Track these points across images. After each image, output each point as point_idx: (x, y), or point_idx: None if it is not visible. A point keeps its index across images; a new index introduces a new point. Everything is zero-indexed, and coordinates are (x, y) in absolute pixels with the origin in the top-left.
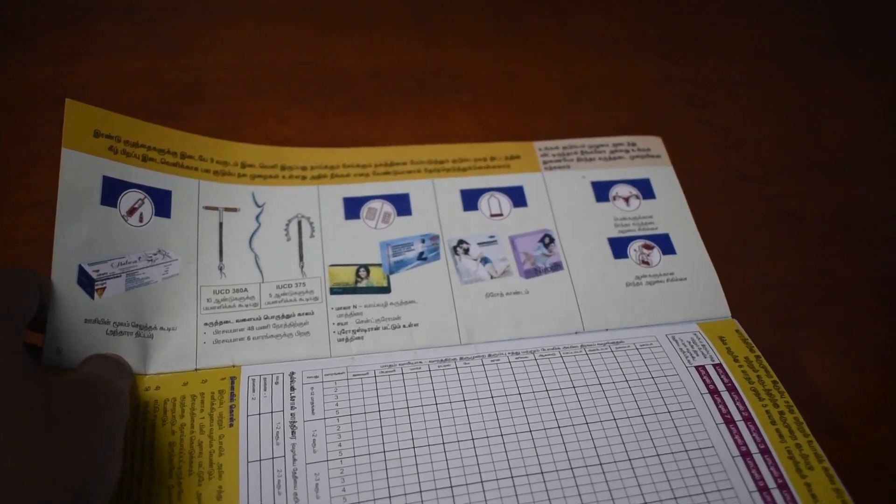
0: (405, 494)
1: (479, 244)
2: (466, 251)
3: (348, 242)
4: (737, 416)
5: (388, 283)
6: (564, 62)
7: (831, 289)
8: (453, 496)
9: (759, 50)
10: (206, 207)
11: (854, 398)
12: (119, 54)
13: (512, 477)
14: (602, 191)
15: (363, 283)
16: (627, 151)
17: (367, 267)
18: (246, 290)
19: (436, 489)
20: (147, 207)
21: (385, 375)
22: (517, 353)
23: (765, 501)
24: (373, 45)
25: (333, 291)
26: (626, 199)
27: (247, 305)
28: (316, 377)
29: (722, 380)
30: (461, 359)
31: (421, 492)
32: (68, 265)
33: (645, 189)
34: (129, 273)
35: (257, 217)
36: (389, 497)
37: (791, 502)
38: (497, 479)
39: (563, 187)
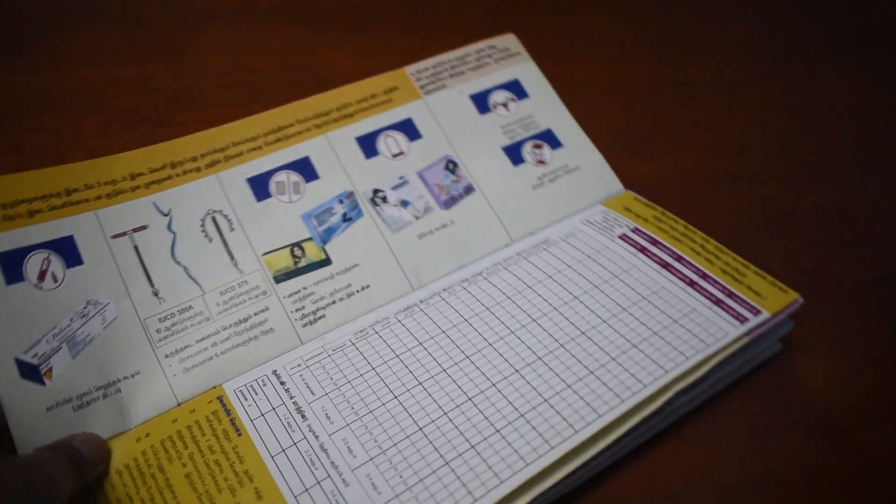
0: (433, 421)
1: (393, 188)
2: (384, 199)
3: (271, 225)
4: (669, 259)
5: (326, 254)
6: (558, 64)
7: (826, 289)
8: (474, 405)
9: (753, 50)
10: (114, 236)
11: (848, 400)
12: (110, 60)
13: (517, 370)
14: (481, 103)
15: (303, 262)
16: (490, 55)
17: (299, 245)
18: (191, 307)
19: (457, 406)
20: (56, 264)
21: (362, 340)
22: (466, 280)
23: (723, 310)
24: (366, 47)
25: (278, 279)
26: (505, 105)
27: (199, 322)
28: (299, 366)
29: (643, 238)
30: (421, 301)
31: (445, 413)
32: (4, 364)
33: (517, 90)
34: (69, 339)
35: (169, 226)
36: (420, 429)
37: (743, 303)
38: (506, 377)
39: (446, 108)
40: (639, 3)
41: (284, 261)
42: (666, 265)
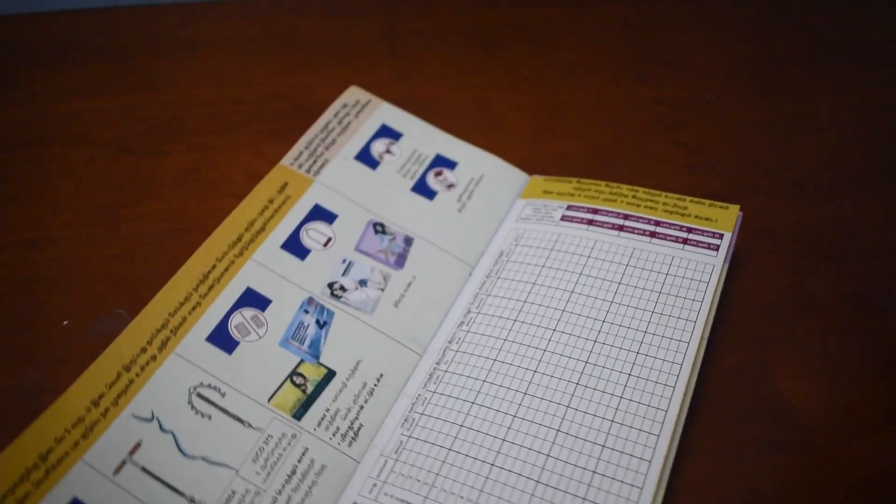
0: (542, 467)
1: (344, 275)
2: (342, 288)
3: (257, 369)
4: (618, 221)
5: (326, 367)
6: (538, 88)
7: (805, 306)
8: (567, 433)
9: (730, 68)
10: (116, 471)
11: (826, 415)
12: (97, 92)
13: (578, 382)
14: (367, 158)
15: (310, 387)
16: (349, 113)
17: (296, 373)
18: (234, 492)
19: (552, 442)
20: None
21: (415, 427)
22: (462, 322)
23: (694, 246)
24: (347, 76)
25: (297, 416)
26: (388, 151)
27: (251, 501)
28: (374, 486)
29: (582, 212)
30: (438, 364)
31: (548, 455)
32: None
33: (390, 133)
34: None
35: (161, 429)
36: (536, 481)
37: (704, 233)
38: (572, 393)
39: (342, 179)
40: (613, 24)
41: (292, 395)
42: (620, 227)
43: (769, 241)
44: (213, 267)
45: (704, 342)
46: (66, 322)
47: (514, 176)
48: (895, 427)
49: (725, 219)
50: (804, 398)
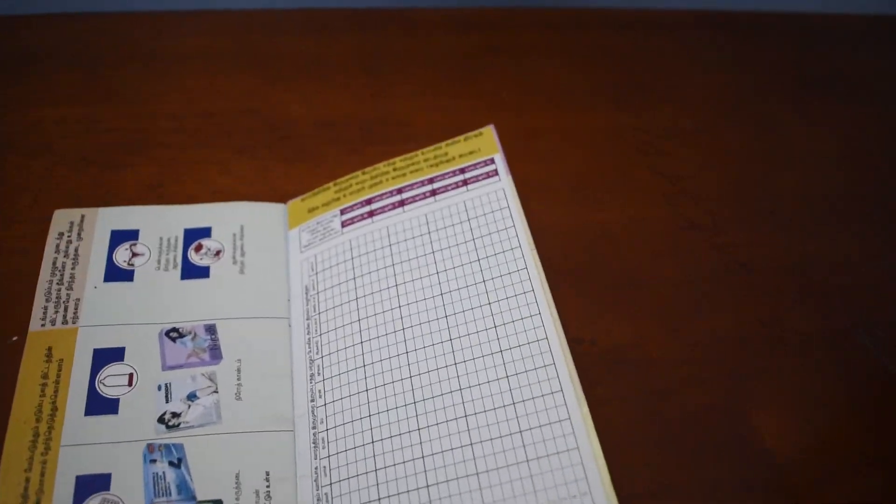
0: None
1: (168, 402)
2: (175, 415)
3: None
4: (397, 198)
5: (209, 501)
6: (515, 111)
7: (783, 341)
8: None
9: (712, 97)
10: None
11: (804, 457)
12: (59, 101)
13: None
14: (117, 273)
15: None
16: (70, 240)
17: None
18: None
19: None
20: None
21: (324, 489)
22: (312, 373)
23: (477, 181)
24: (320, 94)
25: None
26: (134, 254)
27: None
28: None
29: (357, 208)
30: (314, 428)
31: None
32: None
33: (123, 236)
34: None
35: None
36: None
37: (477, 165)
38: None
39: (100, 309)
40: (594, 50)
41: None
42: (401, 203)
43: (745, 275)
44: (27, 481)
45: (538, 260)
46: (14, 338)
47: (272, 211)
48: (874, 468)
49: (486, 143)
50: (782, 439)
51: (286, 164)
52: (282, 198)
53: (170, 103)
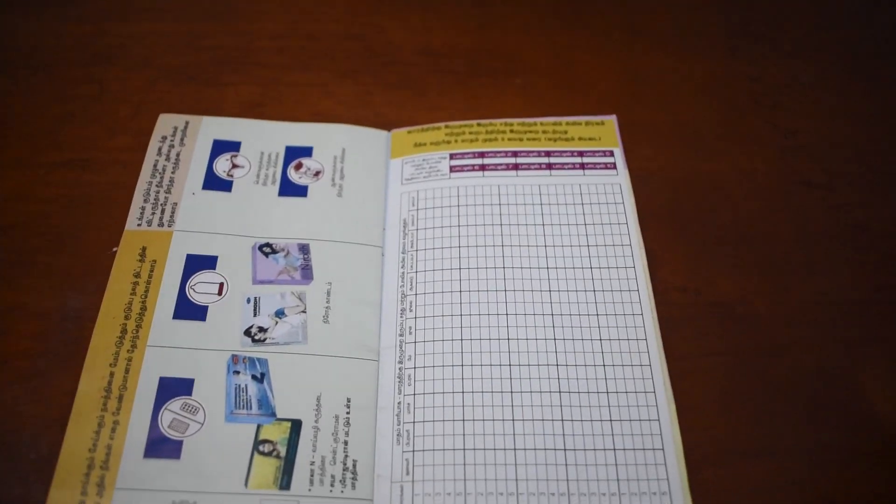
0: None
1: (256, 315)
2: (262, 329)
3: (215, 462)
4: (511, 160)
5: (288, 419)
6: (625, 52)
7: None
8: None
9: (831, 52)
10: None
11: None
12: (160, 16)
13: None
14: (216, 183)
15: (282, 450)
16: (172, 145)
17: (260, 441)
18: None
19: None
20: None
21: (406, 425)
22: (403, 308)
23: (594, 169)
24: (425, 22)
25: (283, 486)
26: (235, 165)
27: None
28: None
29: (469, 158)
30: (400, 363)
31: None
32: None
33: (225, 146)
34: None
35: None
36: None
37: (596, 153)
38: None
39: (196, 215)
40: None
41: (268, 467)
42: (515, 167)
43: (861, 237)
44: (111, 376)
45: (647, 262)
46: (114, 249)
47: (375, 137)
48: None
49: (607, 134)
50: (890, 403)
51: (389, 91)
52: (384, 125)
53: (273, 23)
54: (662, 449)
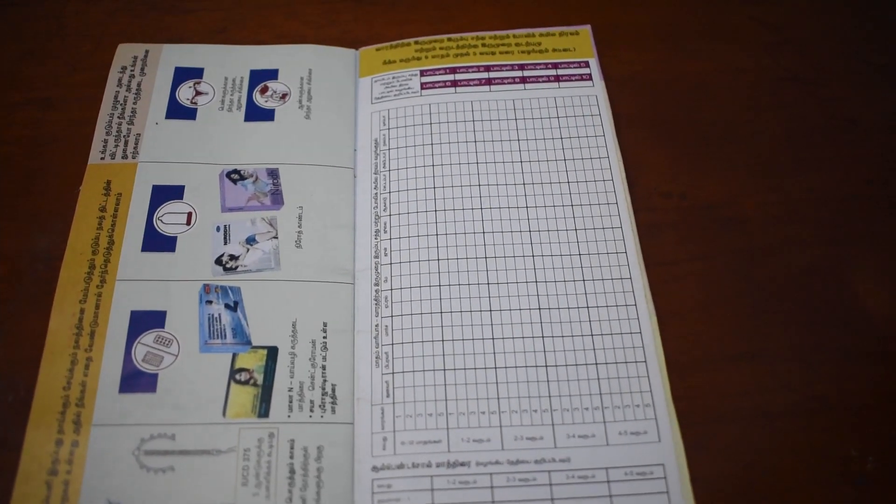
0: None
1: (227, 243)
2: (233, 257)
3: (191, 393)
4: (484, 75)
5: (263, 346)
6: None
7: (888, 203)
8: None
9: None
10: None
11: None
12: None
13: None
14: (179, 111)
15: (258, 377)
16: (133, 74)
17: (236, 370)
18: None
19: None
20: None
21: (385, 347)
22: (377, 229)
23: (568, 81)
24: None
25: (262, 413)
26: (198, 92)
27: None
28: (381, 431)
29: (441, 74)
30: (376, 285)
31: None
32: None
33: (187, 74)
34: None
35: None
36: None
37: (572, 65)
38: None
39: (160, 145)
40: None
41: (245, 395)
42: (488, 81)
43: (852, 132)
44: (82, 313)
45: (625, 172)
46: (80, 188)
47: (342, 56)
48: None
49: (582, 45)
50: (881, 304)
51: (356, 8)
52: (351, 43)
53: None
54: (645, 361)
